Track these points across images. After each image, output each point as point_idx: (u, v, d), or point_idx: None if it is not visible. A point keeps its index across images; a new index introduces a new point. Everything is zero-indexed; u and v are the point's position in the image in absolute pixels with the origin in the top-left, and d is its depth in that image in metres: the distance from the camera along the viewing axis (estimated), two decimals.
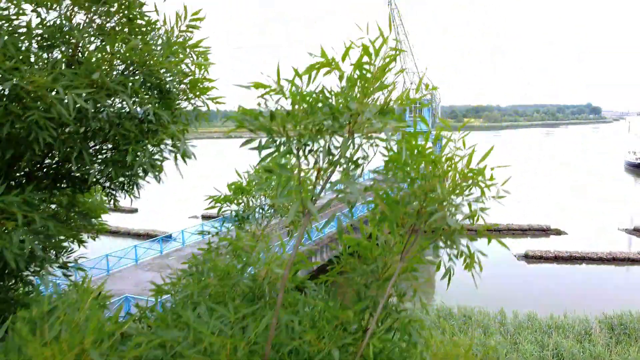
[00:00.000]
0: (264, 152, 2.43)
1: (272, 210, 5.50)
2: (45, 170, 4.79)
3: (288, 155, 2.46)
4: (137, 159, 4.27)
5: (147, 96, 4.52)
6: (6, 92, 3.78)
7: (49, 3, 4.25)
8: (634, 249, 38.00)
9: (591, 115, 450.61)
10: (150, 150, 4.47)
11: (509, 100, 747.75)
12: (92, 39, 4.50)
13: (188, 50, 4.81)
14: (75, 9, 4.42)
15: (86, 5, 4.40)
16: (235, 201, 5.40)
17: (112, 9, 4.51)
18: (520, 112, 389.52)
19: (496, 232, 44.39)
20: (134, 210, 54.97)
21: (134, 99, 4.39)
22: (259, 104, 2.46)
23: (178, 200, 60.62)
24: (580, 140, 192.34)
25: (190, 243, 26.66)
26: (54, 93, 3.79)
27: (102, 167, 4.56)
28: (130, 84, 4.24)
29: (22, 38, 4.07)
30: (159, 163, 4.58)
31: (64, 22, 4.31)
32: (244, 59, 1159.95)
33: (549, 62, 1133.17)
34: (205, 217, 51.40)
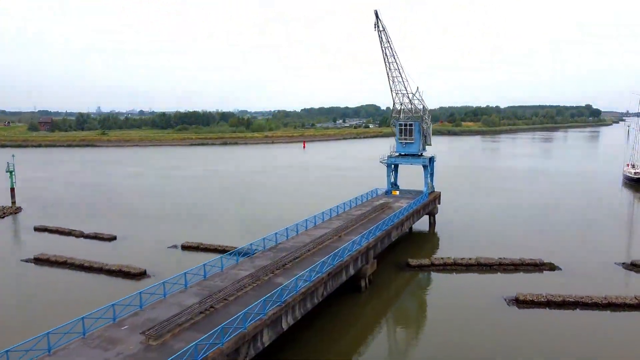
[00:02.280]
0: None
1: None
2: None
3: None
4: None
5: None
6: None
7: None
8: (630, 290, 35.96)
9: (591, 117, 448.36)
10: None
11: (508, 101, 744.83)
12: None
13: None
14: None
15: None
16: None
17: None
18: (519, 114, 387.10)
19: (487, 267, 42.28)
20: (113, 238, 52.82)
21: None
22: None
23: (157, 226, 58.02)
24: (578, 148, 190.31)
25: (149, 305, 24.47)
26: None
27: None
28: None
29: None
30: None
31: None
32: (244, 59, 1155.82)
33: (549, 62, 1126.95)
34: (185, 248, 49.05)
